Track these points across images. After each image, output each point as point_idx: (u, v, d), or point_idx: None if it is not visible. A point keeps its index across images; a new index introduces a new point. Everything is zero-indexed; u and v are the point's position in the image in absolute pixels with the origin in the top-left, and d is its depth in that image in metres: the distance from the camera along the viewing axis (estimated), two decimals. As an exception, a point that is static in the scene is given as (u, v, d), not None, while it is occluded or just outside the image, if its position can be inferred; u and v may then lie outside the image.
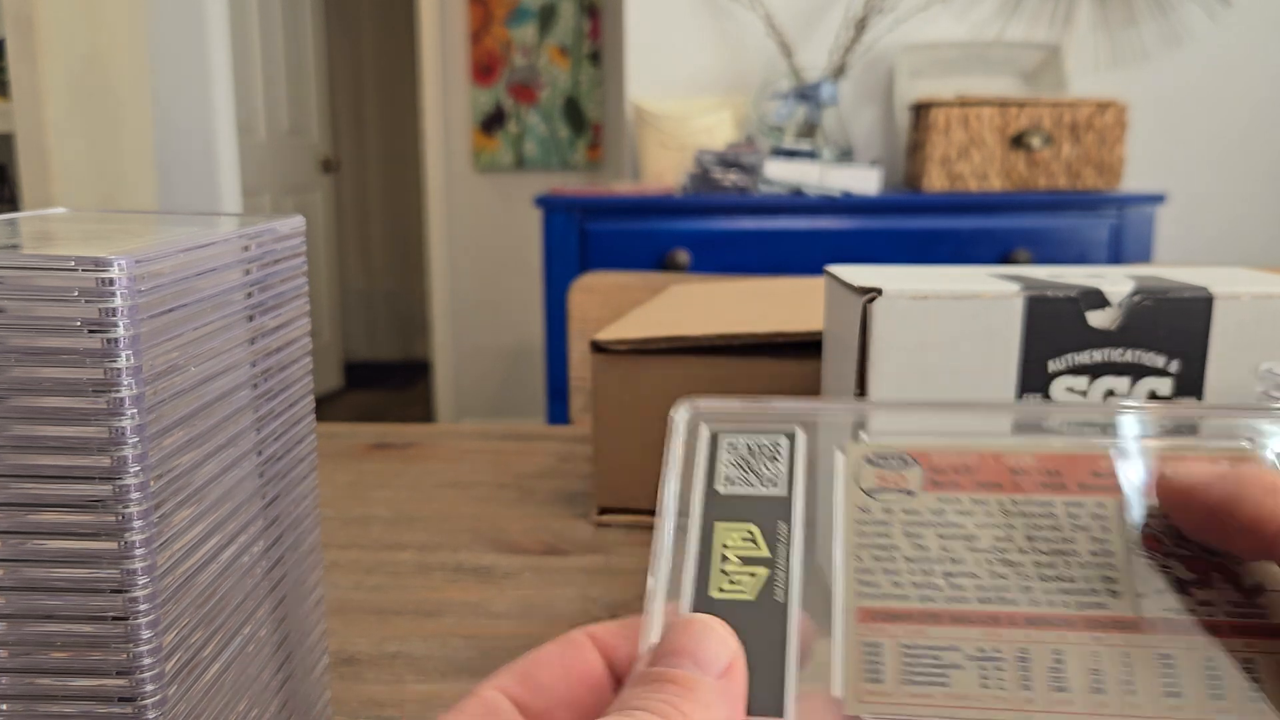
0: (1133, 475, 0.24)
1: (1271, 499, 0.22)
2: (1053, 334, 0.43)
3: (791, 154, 2.06)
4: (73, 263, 0.22)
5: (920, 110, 2.07)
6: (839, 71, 2.21)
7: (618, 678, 0.22)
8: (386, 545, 0.58)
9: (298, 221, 0.32)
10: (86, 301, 0.22)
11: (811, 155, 2.07)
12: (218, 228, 0.28)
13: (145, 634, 0.23)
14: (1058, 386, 0.43)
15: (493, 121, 3.57)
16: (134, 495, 0.23)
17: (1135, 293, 0.43)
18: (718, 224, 1.97)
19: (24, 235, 0.26)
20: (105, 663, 0.23)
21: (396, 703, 0.41)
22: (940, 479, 0.24)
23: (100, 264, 0.22)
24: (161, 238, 0.25)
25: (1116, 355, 0.43)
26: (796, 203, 1.98)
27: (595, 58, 3.52)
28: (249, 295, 0.29)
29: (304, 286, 0.33)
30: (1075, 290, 0.43)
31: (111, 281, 0.22)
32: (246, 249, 0.29)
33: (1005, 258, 1.97)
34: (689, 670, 0.20)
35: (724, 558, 0.23)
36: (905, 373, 0.44)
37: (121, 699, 0.24)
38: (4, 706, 0.23)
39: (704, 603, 0.22)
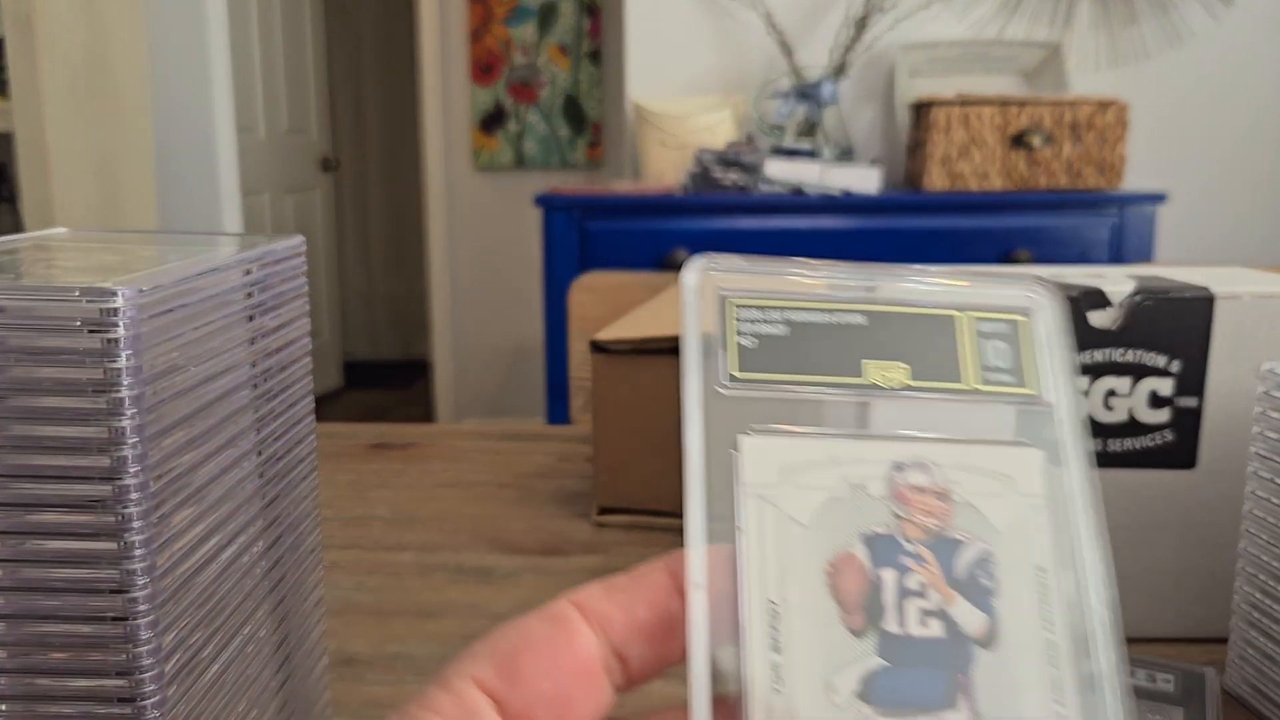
0: None
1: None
2: (1053, 334, 0.43)
3: (792, 153, 2.06)
4: (77, 293, 0.22)
5: (921, 109, 2.07)
6: (839, 70, 2.21)
7: (615, 652, 0.19)
8: (386, 546, 0.58)
9: (297, 242, 0.32)
10: (88, 301, 0.22)
11: (812, 154, 2.07)
12: (218, 249, 0.28)
13: (145, 634, 0.23)
14: (1058, 386, 0.43)
15: (492, 120, 3.57)
16: (134, 495, 0.22)
17: (1136, 292, 0.43)
18: (718, 223, 1.97)
19: (25, 264, 0.26)
20: (105, 663, 0.23)
21: (396, 704, 0.41)
22: None
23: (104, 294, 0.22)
24: (165, 264, 0.25)
25: (1118, 355, 0.43)
26: (797, 202, 1.97)
27: (595, 56, 3.52)
28: (249, 296, 0.29)
29: (304, 287, 0.33)
30: (1076, 290, 0.43)
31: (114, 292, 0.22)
32: (248, 272, 0.29)
33: (1006, 257, 1.97)
34: None
35: None
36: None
37: (121, 699, 0.23)
38: (3, 707, 0.23)
39: None
